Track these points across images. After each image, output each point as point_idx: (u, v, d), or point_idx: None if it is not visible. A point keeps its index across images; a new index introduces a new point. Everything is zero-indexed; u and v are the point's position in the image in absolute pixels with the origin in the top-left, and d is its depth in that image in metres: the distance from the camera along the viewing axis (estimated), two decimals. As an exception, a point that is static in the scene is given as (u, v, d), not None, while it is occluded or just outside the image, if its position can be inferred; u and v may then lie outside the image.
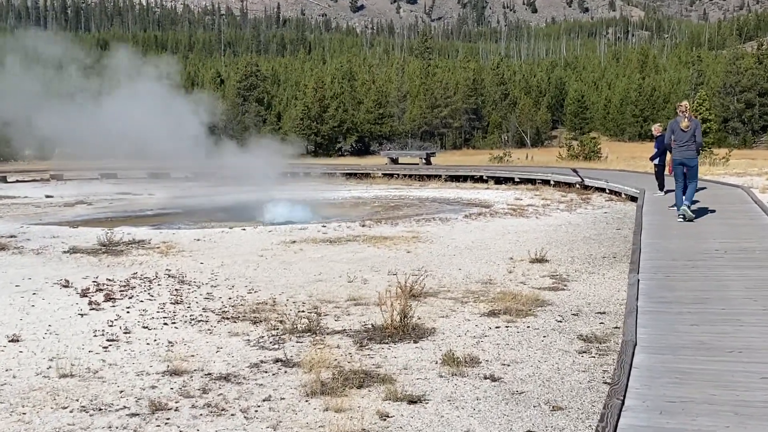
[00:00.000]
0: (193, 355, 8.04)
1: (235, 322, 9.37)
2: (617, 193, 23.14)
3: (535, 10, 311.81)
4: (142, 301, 10.51)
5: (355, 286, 11.33)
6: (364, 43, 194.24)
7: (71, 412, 6.48)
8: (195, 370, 7.56)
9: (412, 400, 6.58)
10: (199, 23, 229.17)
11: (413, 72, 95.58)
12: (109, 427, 6.14)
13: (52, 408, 6.57)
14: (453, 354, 7.63)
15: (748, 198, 17.30)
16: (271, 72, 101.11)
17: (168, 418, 6.32)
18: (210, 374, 7.42)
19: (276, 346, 8.27)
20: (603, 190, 24.30)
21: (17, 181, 37.10)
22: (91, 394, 6.90)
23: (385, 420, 6.18)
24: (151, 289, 11.28)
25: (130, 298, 10.69)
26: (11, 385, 7.16)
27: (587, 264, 12.81)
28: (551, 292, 10.75)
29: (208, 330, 9.02)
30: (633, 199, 20.59)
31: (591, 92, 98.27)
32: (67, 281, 11.74)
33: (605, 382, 6.88)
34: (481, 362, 7.61)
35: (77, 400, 6.75)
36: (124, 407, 6.58)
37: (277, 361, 7.77)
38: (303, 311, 9.80)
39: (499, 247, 14.73)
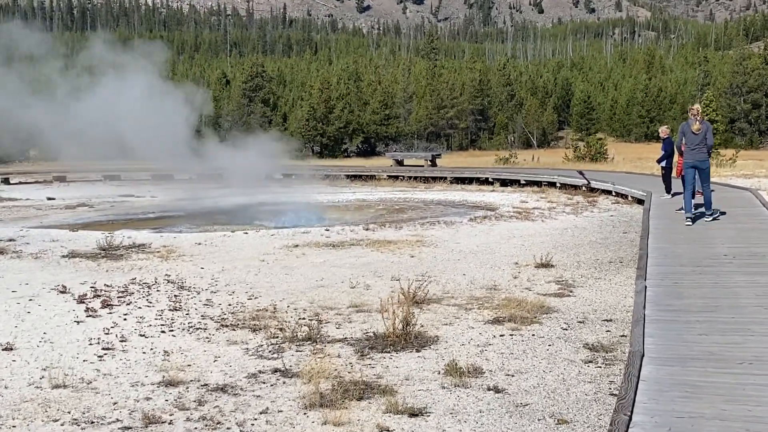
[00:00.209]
0: (189, 365, 7.86)
1: (234, 329, 9.19)
2: (624, 196, 22.91)
3: (541, 11, 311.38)
4: (140, 307, 10.34)
5: (357, 292, 11.15)
6: (371, 43, 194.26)
7: (62, 425, 6.31)
8: (191, 380, 7.37)
9: (413, 413, 6.39)
10: (205, 24, 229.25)
11: (419, 73, 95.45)
12: (100, 442, 5.98)
13: (42, 421, 6.40)
14: (456, 364, 7.44)
15: (756, 201, 17.05)
16: (276, 73, 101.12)
17: (161, 432, 6.15)
18: (206, 385, 7.24)
19: (275, 356, 8.08)
20: (609, 192, 24.08)
21: (20, 183, 37.03)
22: (83, 406, 6.72)
23: (384, 434, 6.01)
24: (149, 295, 11.11)
25: (128, 304, 10.51)
26: (2, 396, 6.99)
27: (593, 269, 12.61)
28: (557, 298, 10.55)
29: (206, 338, 8.84)
30: (640, 201, 20.36)
31: (597, 93, 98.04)
32: (65, 287, 11.58)
33: (612, 394, 6.69)
34: (484, 372, 7.42)
35: (69, 413, 6.57)
36: (117, 420, 6.41)
37: (275, 371, 7.59)
38: (303, 318, 9.63)
39: (504, 252, 14.53)
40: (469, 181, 32.36)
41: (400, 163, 40.38)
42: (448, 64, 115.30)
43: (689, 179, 14.09)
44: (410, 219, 20.53)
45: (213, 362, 7.96)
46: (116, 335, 8.96)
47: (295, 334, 8.71)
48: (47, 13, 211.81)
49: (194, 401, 6.80)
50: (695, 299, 8.48)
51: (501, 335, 8.71)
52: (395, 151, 59.48)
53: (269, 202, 25.58)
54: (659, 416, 5.29)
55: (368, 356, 8.03)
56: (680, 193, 16.47)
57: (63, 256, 14.44)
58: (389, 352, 8.13)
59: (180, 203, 26.03)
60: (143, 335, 8.98)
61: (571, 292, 10.95)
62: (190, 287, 11.64)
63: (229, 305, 10.46)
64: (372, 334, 8.74)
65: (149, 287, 11.63)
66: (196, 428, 6.20)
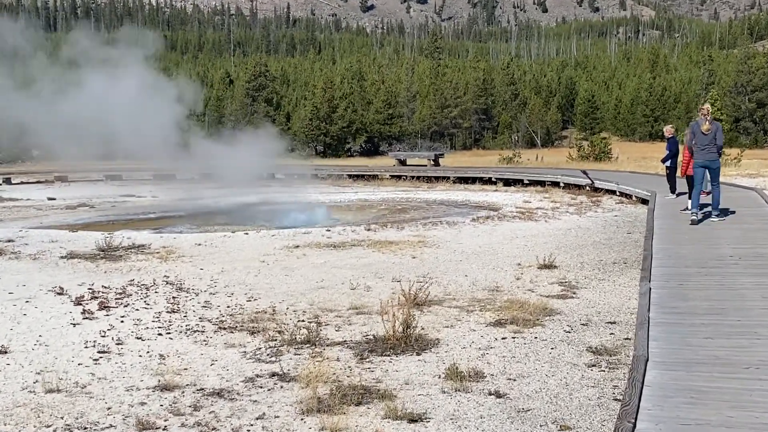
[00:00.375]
0: (186, 369, 7.73)
1: (232, 332, 9.06)
2: (628, 196, 22.75)
3: (545, 10, 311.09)
4: (137, 309, 10.21)
5: (357, 294, 11.01)
6: (374, 43, 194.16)
7: (54, 431, 6.18)
8: (187, 384, 7.24)
9: (413, 419, 6.25)
10: (208, 23, 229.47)
11: (423, 72, 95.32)
12: (92, 449, 5.85)
13: (35, 426, 6.27)
14: (457, 368, 7.30)
15: (761, 201, 16.91)
16: (280, 72, 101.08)
17: (155, 438, 6.02)
18: (203, 389, 7.11)
19: (273, 359, 7.95)
20: (613, 192, 23.92)
21: (21, 183, 36.96)
22: (77, 411, 6.59)
23: (383, 441, 5.88)
24: (147, 296, 10.98)
25: (125, 306, 10.39)
26: (-5, 401, 6.87)
27: (597, 270, 12.46)
28: (560, 300, 10.40)
29: (204, 341, 8.71)
30: (644, 201, 20.21)
31: (601, 92, 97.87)
32: (62, 288, 11.46)
33: (616, 399, 6.55)
34: (486, 376, 7.28)
35: (62, 418, 6.45)
36: (111, 426, 6.28)
37: (273, 375, 7.45)
38: (303, 321, 9.49)
39: (506, 252, 14.39)
40: (472, 180, 32.21)
41: (402, 162, 40.24)
42: (452, 64, 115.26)
43: (698, 178, 13.98)
44: (412, 219, 20.41)
45: (210, 366, 7.83)
46: (112, 338, 8.83)
47: (293, 337, 8.58)
48: (51, 13, 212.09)
49: (189, 406, 6.67)
50: (700, 301, 8.33)
51: (503, 338, 8.57)
52: (398, 150, 59.33)
53: (271, 202, 25.49)
54: (664, 423, 5.15)
55: (368, 360, 7.89)
56: (685, 193, 16.37)
57: (61, 257, 14.32)
58: (389, 356, 8.00)
59: (181, 203, 25.90)
60: (140, 338, 8.86)
61: (574, 293, 10.81)
62: (188, 289, 11.51)
63: (228, 307, 10.33)
64: (372, 337, 8.60)
65: (147, 289, 11.50)
66: (190, 434, 6.08)
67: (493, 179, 31.60)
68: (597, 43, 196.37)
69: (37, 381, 7.34)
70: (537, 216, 19.66)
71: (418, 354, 8.04)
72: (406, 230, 17.56)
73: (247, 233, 17.34)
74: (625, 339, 8.36)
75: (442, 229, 17.63)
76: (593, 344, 8.23)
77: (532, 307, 9.75)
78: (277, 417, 6.38)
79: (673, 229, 13.50)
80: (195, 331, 9.11)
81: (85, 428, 6.23)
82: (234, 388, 7.12)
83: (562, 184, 27.61)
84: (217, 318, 9.72)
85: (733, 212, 14.81)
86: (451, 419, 6.27)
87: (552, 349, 8.14)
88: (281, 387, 7.12)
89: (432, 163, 39.49)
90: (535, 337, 8.57)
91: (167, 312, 10.05)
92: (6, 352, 8.29)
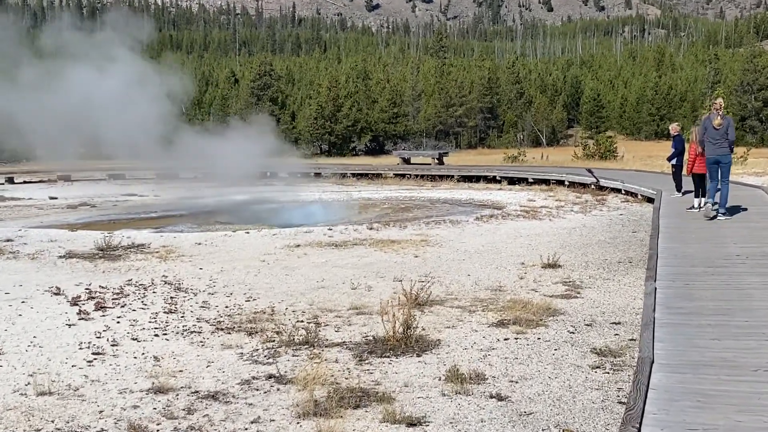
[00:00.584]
0: (181, 371, 7.57)
1: (229, 333, 8.90)
2: (633, 194, 22.58)
3: (550, 9, 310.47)
4: (134, 310, 10.06)
5: (358, 294, 10.85)
6: (380, 42, 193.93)
7: (44, 435, 6.04)
8: (182, 387, 7.08)
9: (412, 423, 6.09)
10: (214, 23, 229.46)
11: (428, 71, 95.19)
12: (81, 454, 5.69)
13: (24, 430, 6.13)
14: (457, 370, 7.13)
15: (768, 199, 16.73)
16: (285, 71, 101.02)
17: (146, 443, 5.87)
18: (197, 392, 6.94)
19: (270, 360, 7.79)
20: (619, 190, 23.75)
21: (24, 182, 36.89)
22: (68, 415, 6.44)
23: (380, 446, 5.72)
24: (145, 297, 10.83)
25: (122, 306, 10.24)
26: (-15, 404, 6.72)
27: (602, 269, 12.29)
28: (564, 300, 10.23)
29: (201, 342, 8.55)
30: (650, 200, 20.03)
31: (607, 91, 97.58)
32: (59, 288, 11.31)
33: (620, 402, 6.38)
34: (487, 378, 7.11)
35: (52, 422, 6.30)
36: (102, 430, 6.13)
37: (270, 377, 7.29)
38: (302, 321, 9.33)
39: (510, 252, 14.22)
40: (477, 179, 32.05)
41: (407, 161, 40.09)
42: (457, 63, 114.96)
43: (713, 174, 13.79)
44: (415, 218, 20.24)
45: (205, 368, 7.67)
46: (108, 339, 8.68)
47: (292, 338, 8.43)
48: (57, 13, 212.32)
49: (183, 409, 6.51)
50: (707, 301, 8.14)
51: (505, 339, 8.40)
52: (403, 149, 59.22)
53: (273, 200, 25.36)
54: (670, 428, 4.97)
55: (367, 361, 7.73)
56: (691, 191, 16.20)
57: (60, 257, 14.18)
58: (389, 357, 7.83)
59: (183, 202, 25.79)
60: (135, 339, 8.70)
61: (578, 293, 10.63)
62: (187, 289, 11.36)
63: (226, 307, 10.18)
64: (372, 338, 8.44)
65: (145, 289, 11.36)
66: (182, 439, 5.92)
67: (497, 178, 31.43)
68: (602, 42, 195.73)
69: (29, 383, 7.18)
70: (541, 215, 19.49)
71: (418, 355, 7.87)
72: (409, 229, 17.40)
73: (247, 232, 17.19)
74: (630, 340, 8.19)
75: (445, 228, 17.46)
76: (597, 345, 8.06)
77: (536, 307, 9.58)
78: (273, 421, 6.23)
79: (679, 228, 13.32)
80: (192, 332, 8.95)
81: (76, 432, 6.08)
82: (229, 391, 6.96)
83: (567, 183, 27.43)
84: (215, 318, 9.57)
85: (740, 211, 14.63)
86: (451, 423, 6.10)
87: (555, 350, 7.97)
88: (278, 389, 6.97)
89: (436, 161, 39.34)
90: (538, 338, 8.40)
91: (164, 312, 9.90)
92: (-1, 354, 8.15)
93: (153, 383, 7.15)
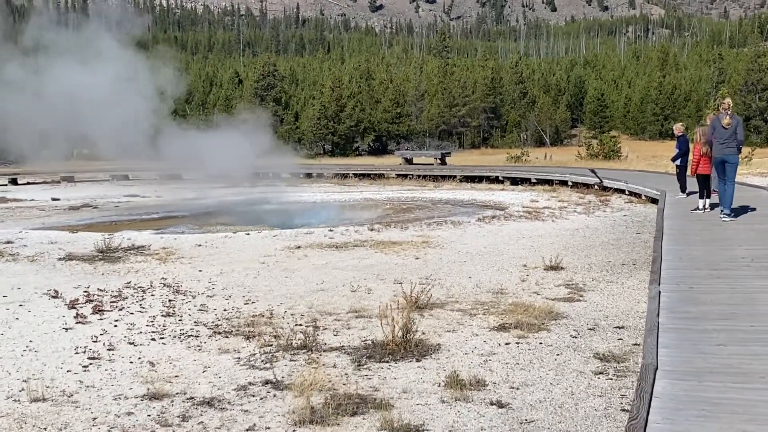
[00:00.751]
0: (177, 376, 7.45)
1: (227, 337, 8.78)
2: (637, 195, 22.43)
3: (554, 9, 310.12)
4: (132, 313, 9.94)
5: (358, 297, 10.72)
6: (383, 42, 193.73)
7: (35, 443, 5.92)
8: (177, 393, 6.96)
9: (410, 431, 5.96)
10: (218, 24, 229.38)
11: (431, 71, 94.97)
12: (72, 463, 5.57)
13: (15, 438, 6.01)
14: (457, 375, 7.00)
15: (774, 200, 16.57)
16: (289, 72, 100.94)
17: (139, 452, 5.75)
18: (193, 398, 6.82)
19: (267, 365, 7.66)
20: (622, 191, 23.60)
21: (28, 183, 36.82)
22: (61, 422, 6.32)
23: (377, 455, 5.59)
24: (143, 299, 10.71)
25: (119, 309, 10.12)
26: (-24, 411, 6.60)
27: (605, 272, 12.15)
28: (566, 303, 10.09)
29: (197, 346, 8.43)
30: (654, 201, 19.89)
31: (611, 91, 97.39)
32: (56, 291, 11.19)
33: (623, 410, 6.25)
34: (487, 385, 6.98)
35: (45, 429, 6.18)
36: (94, 437, 6.01)
37: (266, 383, 7.16)
38: (300, 325, 9.19)
39: (512, 253, 14.08)
40: (479, 179, 31.91)
41: (409, 161, 39.95)
42: (461, 63, 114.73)
43: (720, 174, 13.67)
44: (417, 219, 20.10)
45: (202, 373, 7.55)
46: (104, 343, 8.56)
47: (289, 342, 8.29)
48: (62, 14, 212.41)
49: (178, 416, 6.39)
50: (712, 306, 8.00)
51: (506, 343, 8.27)
52: (406, 149, 59.07)
53: (275, 201, 25.25)
54: (674, 439, 4.84)
55: (365, 366, 7.60)
56: (695, 192, 16.06)
57: (59, 259, 14.06)
58: (388, 362, 7.71)
59: (185, 203, 25.68)
60: (132, 343, 8.58)
61: (581, 296, 10.50)
62: (185, 291, 11.23)
63: (225, 310, 10.05)
64: (370, 342, 8.31)
65: (144, 291, 11.23)
66: (176, 447, 5.80)
67: (500, 178, 31.31)
68: (606, 42, 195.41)
69: (23, 389, 7.06)
70: (544, 216, 19.35)
71: (417, 360, 7.75)
72: (410, 230, 17.27)
73: (248, 234, 17.08)
74: (634, 345, 8.06)
75: (446, 229, 17.34)
76: (600, 350, 7.92)
77: (538, 310, 9.45)
78: (268, 429, 6.10)
79: (683, 230, 13.18)
80: (189, 336, 8.83)
81: (67, 440, 5.97)
82: (225, 397, 6.84)
83: (570, 183, 27.30)
84: (213, 322, 9.44)
85: (745, 212, 14.49)
86: (450, 431, 5.97)
87: (557, 355, 7.84)
88: (274, 396, 6.84)
89: (439, 162, 39.19)
90: (540, 343, 8.27)
91: (162, 316, 9.78)
92: (-7, 359, 8.04)
93: (148, 389, 7.02)
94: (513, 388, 6.91)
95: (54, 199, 27.89)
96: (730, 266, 9.97)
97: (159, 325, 9.30)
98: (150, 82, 26.25)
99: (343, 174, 37.23)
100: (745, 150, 36.59)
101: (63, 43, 25.41)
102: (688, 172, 17.59)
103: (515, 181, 30.29)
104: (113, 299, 10.72)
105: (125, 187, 33.56)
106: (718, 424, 5.00)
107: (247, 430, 6.08)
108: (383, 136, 78.58)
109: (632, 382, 6.79)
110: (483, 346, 8.18)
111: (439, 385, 6.98)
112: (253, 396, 6.85)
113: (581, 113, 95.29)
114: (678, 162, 18.61)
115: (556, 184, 27.94)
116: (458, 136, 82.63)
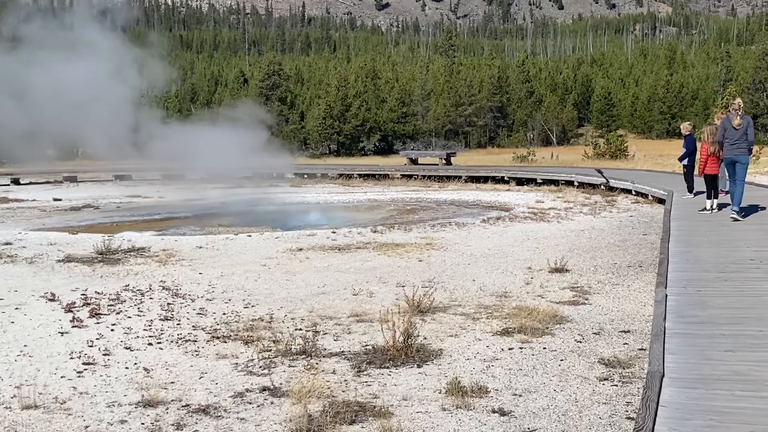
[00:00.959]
0: (173, 382, 7.29)
1: (225, 341, 8.61)
2: (644, 195, 22.24)
3: (561, 7, 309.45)
4: (129, 317, 9.78)
5: (359, 300, 10.56)
6: (389, 41, 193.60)
7: (24, 453, 5.77)
8: (173, 400, 6.80)
9: (409, 440, 5.80)
10: (224, 22, 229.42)
11: (437, 70, 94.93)
12: (61, 475, 5.42)
13: (4, 448, 5.86)
14: (459, 382, 6.83)
15: (783, 200, 16.35)
16: (295, 71, 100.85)
17: (130, 463, 5.60)
18: (188, 405, 6.66)
19: (265, 371, 7.49)
20: (629, 191, 23.41)
21: (30, 183, 36.74)
22: (52, 430, 6.17)
23: (375, 466, 5.43)
24: (141, 303, 10.55)
25: (117, 313, 9.96)
26: (-34, 419, 6.45)
27: (611, 274, 11.97)
28: (571, 306, 9.92)
29: (195, 351, 8.27)
30: (661, 201, 19.69)
31: (618, 89, 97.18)
32: (54, 294, 11.03)
33: (629, 417, 6.07)
34: (489, 392, 6.81)
35: (35, 437, 6.03)
36: (86, 447, 5.86)
37: (264, 389, 7.00)
38: (300, 329, 9.03)
39: (517, 255, 13.91)
40: (484, 180, 31.74)
41: (414, 161, 39.80)
42: (467, 61, 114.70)
43: (731, 174, 13.52)
44: (421, 220, 19.93)
45: (198, 379, 7.39)
46: (100, 348, 8.40)
47: (288, 348, 8.14)
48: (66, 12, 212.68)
49: (172, 424, 6.23)
50: (720, 309, 7.80)
51: (510, 348, 8.10)
52: (412, 149, 58.90)
53: (278, 202, 25.10)
54: (681, 450, 4.67)
55: (365, 372, 7.44)
56: (703, 192, 15.89)
57: (58, 261, 13.91)
58: (388, 368, 7.54)
59: (187, 203, 25.53)
60: (129, 348, 8.43)
61: (586, 299, 10.32)
62: (185, 294, 11.08)
63: (224, 314, 9.89)
64: (371, 348, 8.16)
65: (142, 294, 11.08)
66: (168, 458, 5.64)
67: (505, 178, 31.11)
68: (613, 40, 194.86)
69: (15, 396, 6.91)
70: (549, 217, 19.17)
71: (419, 366, 7.58)
72: (414, 232, 17.11)
73: (249, 235, 16.91)
74: (640, 350, 7.88)
75: (451, 231, 17.17)
76: (605, 356, 7.75)
77: (542, 314, 9.27)
78: (264, 437, 5.95)
79: (690, 231, 12.99)
80: (187, 341, 8.68)
81: (58, 450, 5.82)
82: (221, 404, 6.68)
83: (576, 184, 27.12)
84: (211, 326, 9.29)
85: (754, 212, 14.30)
86: (450, 440, 5.82)
87: (561, 360, 7.66)
88: (271, 403, 6.68)
89: (444, 162, 39.00)
90: (544, 348, 8.09)
91: (160, 320, 9.62)
92: (-14, 364, 7.89)
93: (143, 396, 6.87)
94: (516, 395, 6.74)
95: (56, 200, 27.78)
96: (739, 268, 9.77)
97: (156, 330, 9.15)
98: (136, 75, 25.89)
99: (348, 174, 37.06)
100: (754, 148, 36.44)
101: (48, 34, 25.08)
102: (696, 172, 17.42)
103: (521, 182, 30.11)
104: (111, 302, 10.57)
105: (128, 187, 33.49)
106: (727, 435, 4.83)
107: (242, 439, 5.93)
108: (389, 136, 78.44)
109: (638, 388, 6.63)
110: (485, 352, 8.02)
111: (440, 392, 6.81)
112: (250, 403, 6.70)
113: (588, 112, 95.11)
114: (685, 161, 18.43)
115: (562, 184, 27.76)
116: (464, 135, 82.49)
